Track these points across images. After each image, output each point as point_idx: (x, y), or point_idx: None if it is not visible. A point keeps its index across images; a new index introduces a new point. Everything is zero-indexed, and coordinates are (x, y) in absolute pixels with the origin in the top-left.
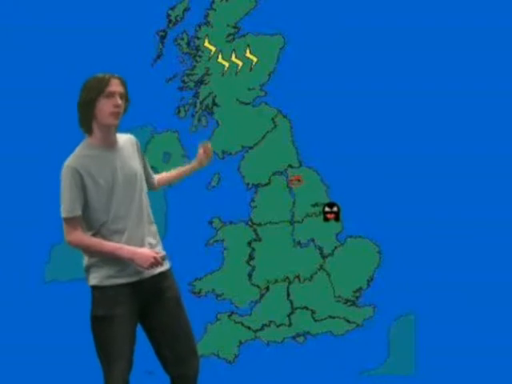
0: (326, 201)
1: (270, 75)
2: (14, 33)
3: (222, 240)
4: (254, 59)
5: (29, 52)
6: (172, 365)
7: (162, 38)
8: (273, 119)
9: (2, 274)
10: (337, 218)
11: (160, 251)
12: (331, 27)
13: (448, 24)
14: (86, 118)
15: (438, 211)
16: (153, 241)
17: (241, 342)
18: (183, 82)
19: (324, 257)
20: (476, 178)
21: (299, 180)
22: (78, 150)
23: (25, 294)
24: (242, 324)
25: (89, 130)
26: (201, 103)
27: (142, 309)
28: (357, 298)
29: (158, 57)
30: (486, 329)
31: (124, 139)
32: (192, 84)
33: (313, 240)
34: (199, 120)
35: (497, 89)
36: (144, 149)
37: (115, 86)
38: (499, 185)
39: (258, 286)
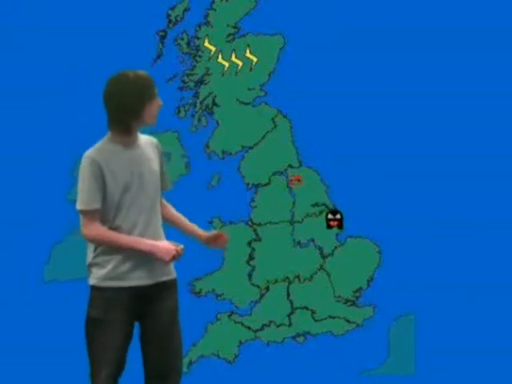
0: (326, 201)
1: (269, 75)
2: (13, 33)
3: None
4: (254, 59)
5: (28, 52)
6: (152, 378)
7: (162, 38)
8: (273, 119)
9: (2, 273)
10: (340, 226)
11: (179, 244)
12: (331, 27)
13: (448, 24)
14: (130, 118)
15: (438, 211)
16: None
17: (241, 342)
18: (183, 81)
19: (324, 257)
20: (476, 177)
21: (299, 180)
22: (99, 144)
23: (24, 293)
24: (242, 324)
25: (126, 130)
26: (201, 103)
27: (140, 315)
28: (357, 298)
29: (158, 57)
30: (486, 329)
31: (145, 140)
32: (192, 84)
33: (313, 240)
34: (199, 120)
35: (497, 89)
36: None
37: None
38: (499, 185)
39: (258, 286)
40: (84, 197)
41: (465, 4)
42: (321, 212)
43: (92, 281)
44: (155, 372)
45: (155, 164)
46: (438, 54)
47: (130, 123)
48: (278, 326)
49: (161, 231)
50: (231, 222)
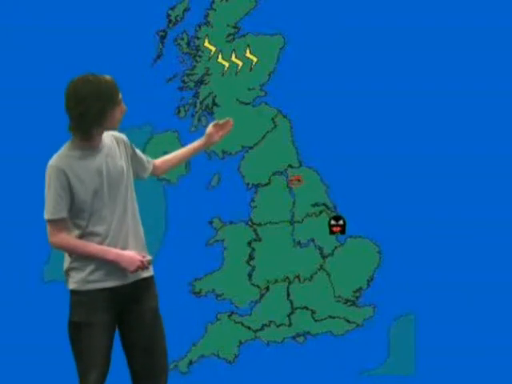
0: (326, 201)
1: (270, 75)
2: (12, 33)
3: (222, 240)
4: (254, 59)
5: (27, 52)
6: (140, 379)
7: (162, 38)
8: (273, 119)
9: (1, 273)
10: (343, 231)
11: (146, 255)
12: (331, 27)
13: (448, 24)
14: (92, 125)
15: (438, 211)
16: (137, 244)
17: (241, 342)
18: (183, 81)
19: (324, 257)
20: (475, 177)
21: (299, 180)
22: (62, 150)
23: (24, 294)
24: (242, 324)
25: (87, 136)
26: (201, 103)
27: (120, 316)
28: (357, 297)
29: (158, 57)
30: (486, 329)
31: (109, 137)
32: (192, 84)
33: (313, 240)
34: (199, 120)
35: (497, 89)
36: (143, 149)
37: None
38: (499, 185)
39: (257, 286)
40: (50, 206)
41: (465, 4)
42: (321, 212)
43: (71, 285)
44: (143, 373)
45: (123, 161)
46: (438, 54)
47: (91, 130)
48: (277, 326)
49: (137, 227)
50: (231, 222)
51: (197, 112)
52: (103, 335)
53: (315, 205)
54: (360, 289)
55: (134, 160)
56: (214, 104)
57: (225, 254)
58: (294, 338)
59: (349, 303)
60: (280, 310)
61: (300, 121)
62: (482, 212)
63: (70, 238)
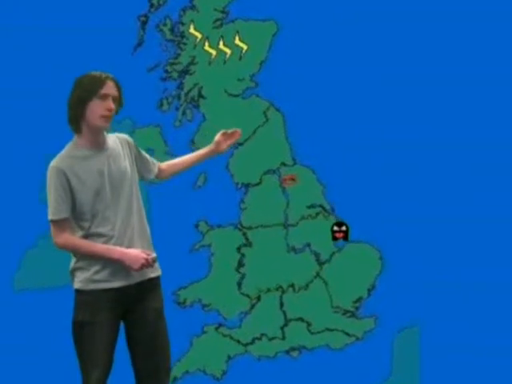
0: (323, 202)
1: (261, 64)
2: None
3: (209, 245)
4: (244, 47)
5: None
6: (143, 379)
7: (144, 23)
8: (264, 113)
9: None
10: (346, 238)
11: (151, 253)
12: (327, 12)
13: (446, 10)
14: (76, 116)
15: (445, 211)
16: (143, 245)
17: (229, 357)
18: (166, 71)
19: (321, 263)
20: (482, 183)
21: (293, 179)
22: (64, 151)
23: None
24: (231, 337)
25: (77, 129)
26: (185, 95)
27: (124, 315)
28: (357, 308)
29: (139, 44)
30: (500, 343)
31: (113, 139)
32: (176, 74)
33: (308, 245)
34: (184, 113)
35: (493, 90)
36: None
37: (110, 88)
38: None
39: (248, 296)
40: (51, 207)
41: None
42: (317, 214)
43: (76, 285)
44: (146, 373)
45: (127, 162)
46: (437, 44)
47: (79, 125)
48: (270, 340)
49: (143, 228)
50: (219, 226)
51: (181, 105)
52: (107, 335)
53: (311, 206)
54: (360, 298)
55: (139, 161)
56: (200, 96)
57: (212, 261)
58: (287, 352)
59: (348, 314)
60: (272, 321)
61: (294, 114)
62: (491, 217)
63: (74, 238)
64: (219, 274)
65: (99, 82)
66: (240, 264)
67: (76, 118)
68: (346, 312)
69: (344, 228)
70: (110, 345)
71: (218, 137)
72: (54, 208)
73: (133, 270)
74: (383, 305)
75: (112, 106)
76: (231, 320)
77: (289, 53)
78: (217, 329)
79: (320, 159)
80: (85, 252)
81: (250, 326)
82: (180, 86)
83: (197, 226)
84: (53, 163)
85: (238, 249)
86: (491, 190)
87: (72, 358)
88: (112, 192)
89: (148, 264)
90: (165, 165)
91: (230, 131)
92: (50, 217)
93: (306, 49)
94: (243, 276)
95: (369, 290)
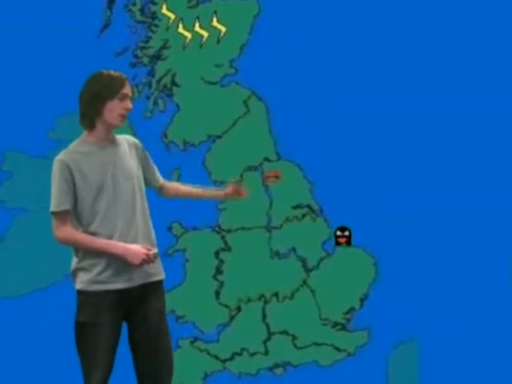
0: (310, 201)
1: (241, 49)
2: None
3: (184, 249)
4: (223, 29)
5: None
6: (145, 380)
7: (111, 2)
8: (245, 102)
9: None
10: (348, 243)
11: (152, 248)
12: None
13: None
14: (91, 113)
15: (445, 212)
16: (147, 245)
17: (206, 375)
18: (136, 56)
19: (308, 270)
20: (480, 181)
21: (277, 176)
22: (71, 146)
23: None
24: (208, 352)
25: (90, 126)
26: (157, 83)
27: (127, 316)
28: (348, 320)
29: (106, 26)
30: (505, 356)
31: (121, 139)
32: (146, 59)
33: (294, 249)
34: (155, 103)
35: (490, 92)
36: None
37: (128, 89)
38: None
39: (227, 306)
40: (54, 199)
41: None
42: (303, 215)
43: (79, 285)
44: (148, 373)
45: (132, 161)
46: (429, 29)
47: (93, 122)
48: (251, 355)
49: (148, 229)
50: (195, 228)
51: (152, 93)
52: (108, 336)
53: (297, 207)
54: (352, 309)
55: (145, 164)
56: (174, 84)
57: (187, 267)
58: (270, 369)
59: (338, 327)
60: (254, 335)
61: (278, 104)
62: (487, 223)
63: (76, 233)
64: (195, 282)
65: (120, 82)
66: (218, 271)
67: (91, 115)
68: (335, 324)
69: (347, 233)
70: (112, 346)
71: (231, 187)
72: (57, 200)
73: (134, 266)
74: (377, 317)
75: (130, 106)
76: (208, 333)
77: (272, 36)
78: (192, 343)
79: (307, 154)
80: (86, 247)
81: (230, 340)
82: (151, 73)
83: (170, 228)
84: (58, 156)
85: (216, 254)
86: (492, 190)
87: (74, 360)
88: (114, 189)
89: (149, 260)
90: (170, 185)
91: (238, 187)
92: (51, 209)
93: (290, 31)
94: (222, 284)
95: (361, 300)
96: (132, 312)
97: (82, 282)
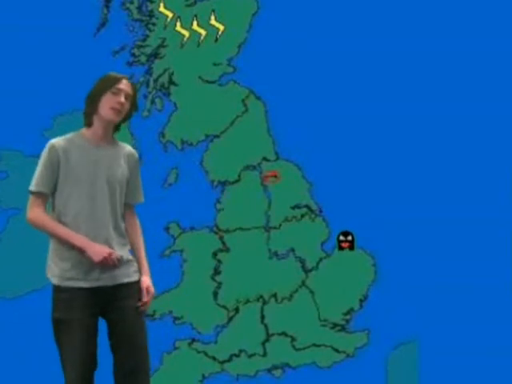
0: (309, 201)
1: (239, 47)
2: None
3: (181, 250)
4: (221, 27)
5: None
6: (121, 376)
7: (107, 1)
8: (243, 101)
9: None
10: (352, 248)
11: (116, 252)
12: None
13: None
14: (90, 110)
15: (444, 213)
16: (119, 251)
17: (204, 376)
18: (133, 55)
19: (306, 271)
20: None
21: (276, 176)
22: (68, 135)
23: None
24: (206, 354)
25: (89, 123)
26: (155, 81)
27: (103, 313)
28: (347, 321)
29: (103, 24)
30: (504, 357)
31: (120, 147)
32: (144, 58)
33: (293, 250)
34: (153, 102)
35: (492, 96)
36: None
37: (124, 85)
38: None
39: (225, 307)
40: (35, 179)
41: None
42: (302, 216)
43: (52, 280)
44: (124, 368)
45: (121, 170)
46: (427, 24)
47: (91, 118)
48: (249, 357)
49: (122, 238)
50: (192, 229)
51: (150, 92)
52: (84, 330)
53: (295, 207)
54: (351, 310)
55: (131, 180)
56: (171, 83)
57: (184, 268)
58: (269, 370)
59: (337, 328)
60: (252, 336)
61: (277, 103)
62: (485, 225)
63: (45, 217)
64: (192, 283)
65: (114, 79)
66: (216, 271)
67: (90, 112)
68: (334, 325)
69: (350, 238)
70: (87, 342)
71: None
72: (37, 181)
73: (94, 262)
74: (377, 318)
75: (122, 99)
76: (206, 334)
77: (270, 34)
78: (190, 344)
79: (306, 154)
80: (50, 232)
81: (228, 342)
82: (148, 72)
83: (167, 228)
84: (51, 140)
85: (214, 254)
86: (492, 194)
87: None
88: (95, 190)
89: (111, 260)
90: (132, 222)
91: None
92: (30, 187)
93: (289, 30)
94: (219, 285)
95: (361, 301)
96: (108, 310)
97: (55, 276)
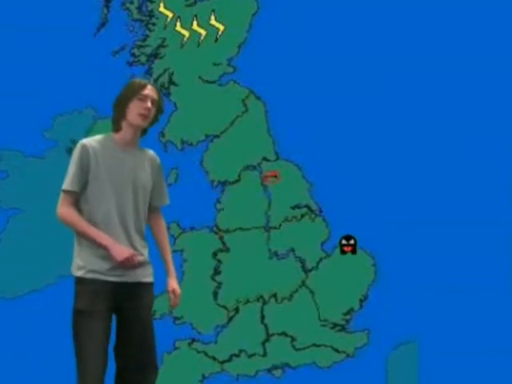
0: (309, 202)
1: (239, 47)
2: None
3: (181, 250)
4: (221, 27)
5: None
6: (129, 371)
7: (107, 1)
8: (243, 101)
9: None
10: (354, 251)
11: (140, 255)
12: None
13: None
14: (118, 115)
15: (444, 214)
16: (141, 252)
17: (204, 376)
18: (133, 55)
19: (306, 271)
20: (481, 191)
21: (276, 176)
22: (97, 137)
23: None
24: (206, 354)
25: (118, 128)
26: (155, 81)
27: (117, 308)
28: (347, 321)
29: (103, 25)
30: (504, 357)
31: (145, 152)
32: (144, 58)
33: (293, 250)
34: None
35: (494, 99)
36: (85, 136)
37: (150, 91)
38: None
39: (225, 307)
40: (67, 178)
41: None
42: (302, 216)
43: (76, 272)
44: (132, 364)
45: (145, 174)
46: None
47: (119, 124)
48: (249, 357)
49: (142, 242)
50: (192, 229)
51: None
52: (105, 323)
53: (295, 207)
54: (351, 310)
55: (156, 183)
56: (171, 83)
57: (184, 268)
58: (269, 370)
59: (337, 328)
60: (252, 336)
61: (277, 103)
62: (486, 225)
63: (75, 214)
64: (192, 283)
65: (139, 85)
66: (216, 271)
67: (118, 118)
68: (334, 325)
69: (352, 242)
70: (107, 335)
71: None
72: (70, 180)
73: (116, 261)
74: (377, 318)
75: (149, 105)
76: (206, 334)
77: (270, 34)
78: (190, 344)
79: (306, 154)
80: (78, 230)
81: (228, 342)
82: (148, 72)
83: (167, 228)
84: (83, 140)
85: (214, 254)
86: (492, 195)
87: (68, 360)
88: (121, 193)
89: (132, 261)
90: (158, 221)
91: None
92: (63, 186)
93: (289, 30)
94: (219, 285)
95: (361, 301)
96: (123, 307)
97: (79, 269)
